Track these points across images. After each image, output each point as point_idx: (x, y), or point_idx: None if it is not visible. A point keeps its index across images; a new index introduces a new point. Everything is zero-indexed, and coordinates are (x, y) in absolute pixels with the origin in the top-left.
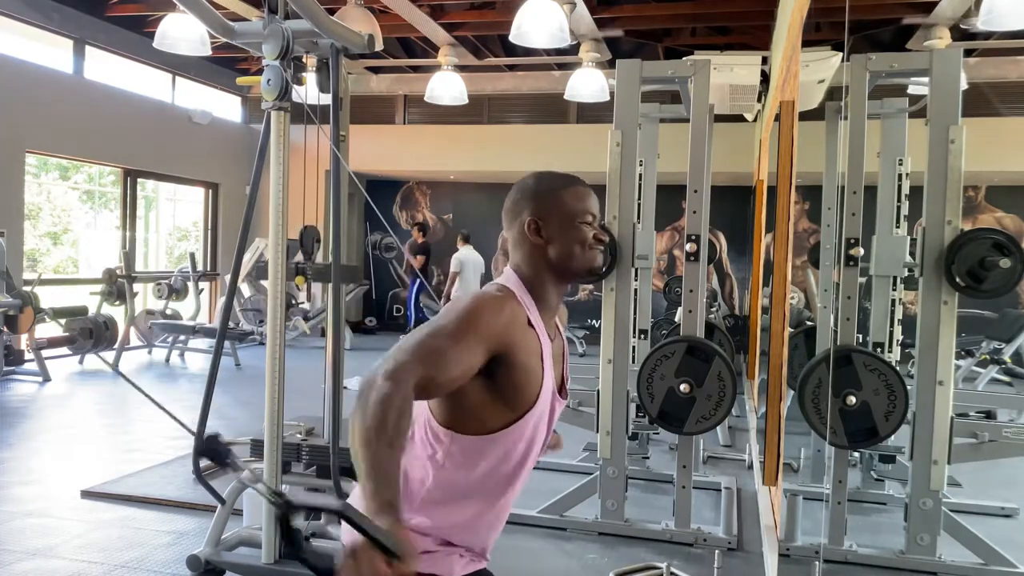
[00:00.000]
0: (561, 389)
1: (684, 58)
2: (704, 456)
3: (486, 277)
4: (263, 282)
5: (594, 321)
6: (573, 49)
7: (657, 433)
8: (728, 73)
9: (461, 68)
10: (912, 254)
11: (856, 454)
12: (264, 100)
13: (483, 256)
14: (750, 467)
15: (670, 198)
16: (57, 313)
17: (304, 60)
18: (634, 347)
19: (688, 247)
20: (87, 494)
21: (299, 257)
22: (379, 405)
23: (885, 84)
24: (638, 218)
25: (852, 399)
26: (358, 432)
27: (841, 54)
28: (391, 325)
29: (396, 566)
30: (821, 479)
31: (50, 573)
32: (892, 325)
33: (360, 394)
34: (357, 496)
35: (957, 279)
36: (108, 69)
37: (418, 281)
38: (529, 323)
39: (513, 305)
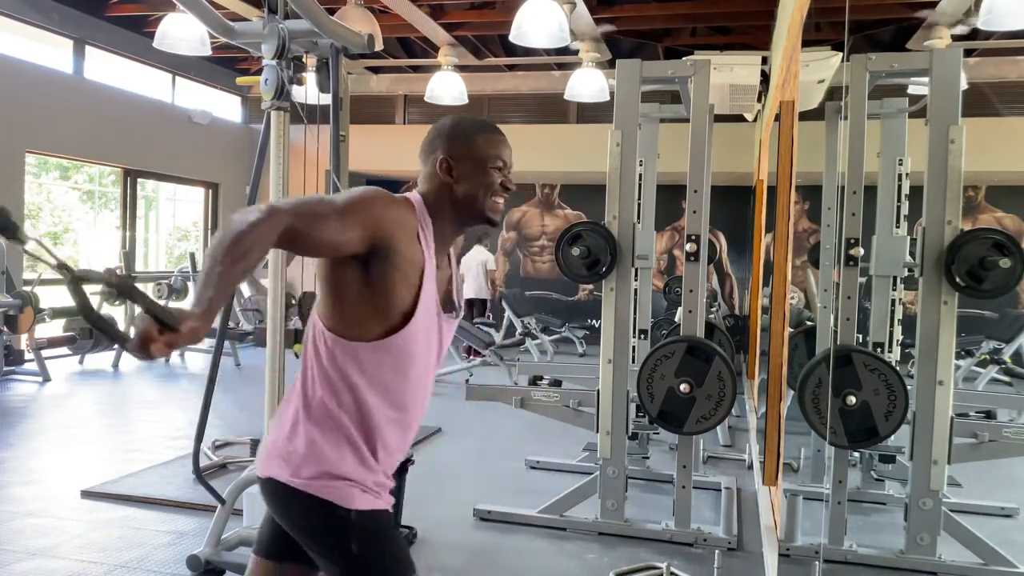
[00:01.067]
0: (449, 308)
1: (684, 58)
2: (704, 456)
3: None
4: (263, 282)
5: (594, 321)
6: (573, 49)
7: (657, 433)
8: (728, 73)
9: (461, 68)
10: (912, 254)
11: (856, 454)
12: (263, 100)
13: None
14: (750, 467)
15: (670, 198)
16: (57, 313)
17: (304, 60)
18: (634, 347)
19: (688, 247)
20: (87, 494)
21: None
22: (242, 227)
23: (885, 84)
24: (638, 218)
25: (852, 399)
26: (212, 245)
27: (841, 54)
28: None
29: (168, 334)
30: (821, 479)
31: (50, 573)
32: (892, 325)
33: (231, 220)
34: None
35: (957, 279)
36: (108, 69)
37: None
38: (418, 238)
39: (406, 211)
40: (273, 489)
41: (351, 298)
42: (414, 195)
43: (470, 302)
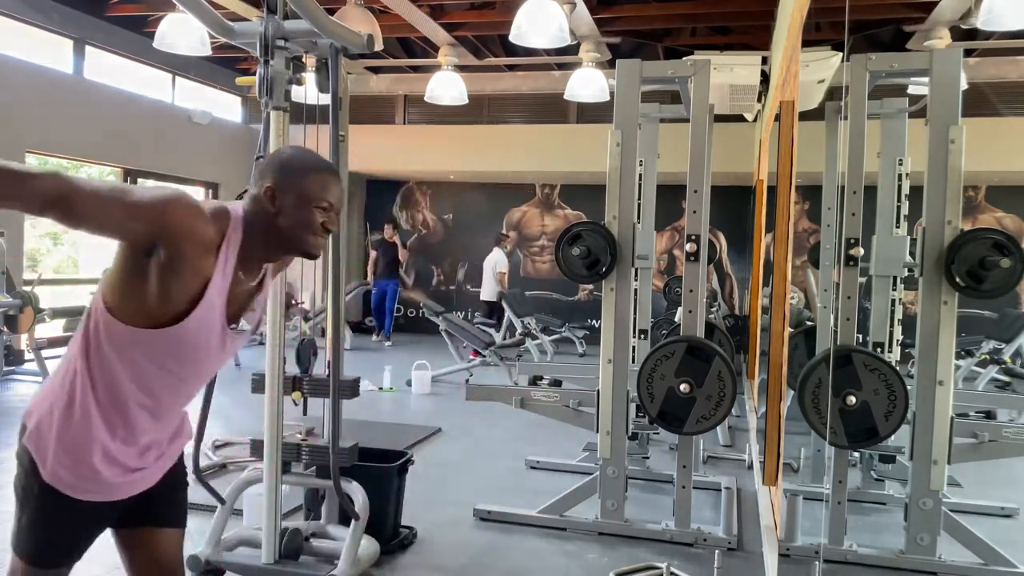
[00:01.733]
0: (235, 321)
1: (684, 58)
2: (704, 456)
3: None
4: None
5: (594, 321)
6: (573, 49)
7: (657, 433)
8: (728, 73)
9: (461, 68)
10: (912, 254)
11: (856, 454)
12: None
13: (484, 255)
14: (750, 467)
15: (670, 198)
16: (57, 313)
17: (304, 60)
18: (634, 347)
19: (688, 247)
20: None
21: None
22: (17, 170)
23: (885, 84)
24: (638, 218)
25: (852, 399)
26: None
27: (841, 54)
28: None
29: None
30: (821, 479)
31: None
32: (892, 325)
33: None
34: None
35: (957, 279)
36: (108, 69)
37: (389, 283)
38: (216, 250)
39: (207, 224)
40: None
41: (130, 282)
42: (236, 209)
43: (485, 303)
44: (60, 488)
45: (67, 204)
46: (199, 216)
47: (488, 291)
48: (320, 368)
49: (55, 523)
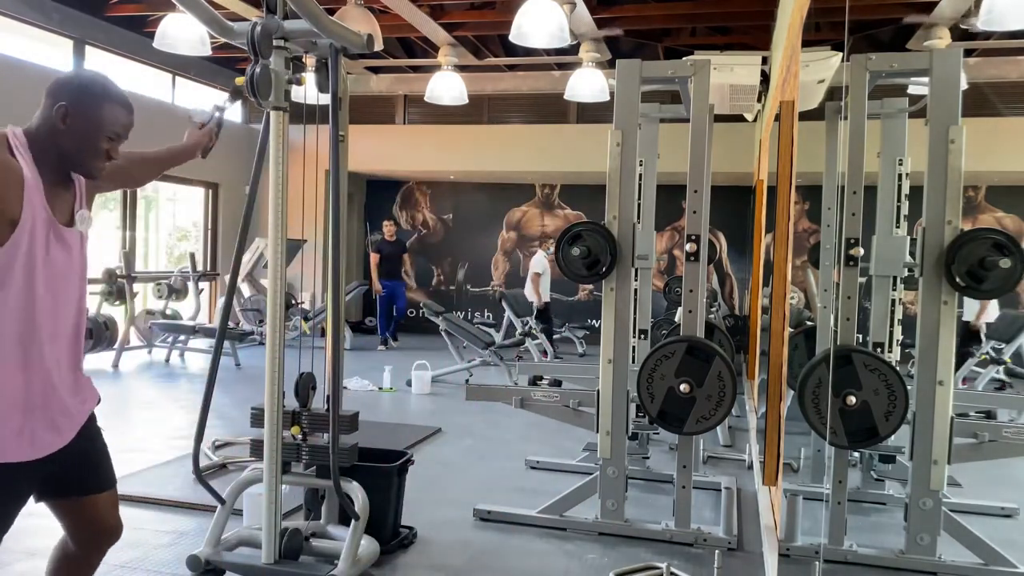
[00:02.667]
0: (70, 224)
1: (684, 58)
2: (704, 456)
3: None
4: (263, 281)
5: (594, 321)
6: (573, 49)
7: (657, 433)
8: (728, 73)
9: (461, 68)
10: (912, 254)
11: (856, 454)
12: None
13: (484, 255)
14: (750, 467)
15: (670, 198)
16: None
17: (304, 60)
18: (634, 347)
19: (688, 247)
20: None
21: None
22: None
23: (885, 84)
24: (638, 218)
25: (852, 399)
26: None
27: (841, 54)
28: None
29: None
30: (821, 479)
31: None
32: (892, 325)
33: None
34: None
35: (957, 279)
36: (108, 69)
37: (397, 285)
38: (13, 160)
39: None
40: None
41: None
42: (16, 130)
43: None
44: None
45: None
46: None
47: (527, 293)
48: (321, 382)
49: None
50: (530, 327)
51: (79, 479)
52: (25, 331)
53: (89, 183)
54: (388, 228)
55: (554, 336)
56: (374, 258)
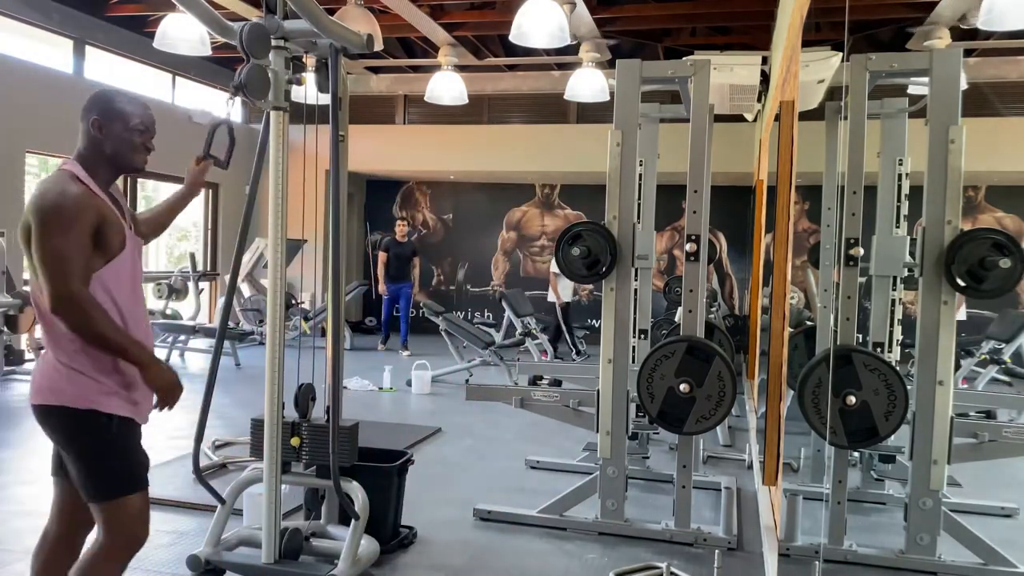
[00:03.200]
0: (135, 229)
1: (684, 58)
2: (704, 456)
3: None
4: (263, 281)
5: (594, 321)
6: (573, 49)
7: (657, 433)
8: (728, 73)
9: (461, 68)
10: (912, 254)
11: (856, 454)
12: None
13: (484, 255)
14: (750, 467)
15: (670, 198)
16: None
17: (304, 60)
18: (634, 347)
19: (688, 247)
20: None
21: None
22: (84, 312)
23: (885, 84)
24: (638, 218)
25: (852, 399)
26: (94, 335)
27: (841, 54)
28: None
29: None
30: (821, 479)
31: None
32: (892, 325)
33: (67, 311)
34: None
35: (957, 279)
36: (108, 69)
37: (403, 287)
38: (94, 193)
39: (85, 189)
40: None
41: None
42: (72, 163)
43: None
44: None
45: (87, 277)
46: (79, 192)
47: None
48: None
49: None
50: (530, 327)
51: None
52: (131, 319)
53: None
54: (400, 228)
55: (576, 335)
56: (382, 257)
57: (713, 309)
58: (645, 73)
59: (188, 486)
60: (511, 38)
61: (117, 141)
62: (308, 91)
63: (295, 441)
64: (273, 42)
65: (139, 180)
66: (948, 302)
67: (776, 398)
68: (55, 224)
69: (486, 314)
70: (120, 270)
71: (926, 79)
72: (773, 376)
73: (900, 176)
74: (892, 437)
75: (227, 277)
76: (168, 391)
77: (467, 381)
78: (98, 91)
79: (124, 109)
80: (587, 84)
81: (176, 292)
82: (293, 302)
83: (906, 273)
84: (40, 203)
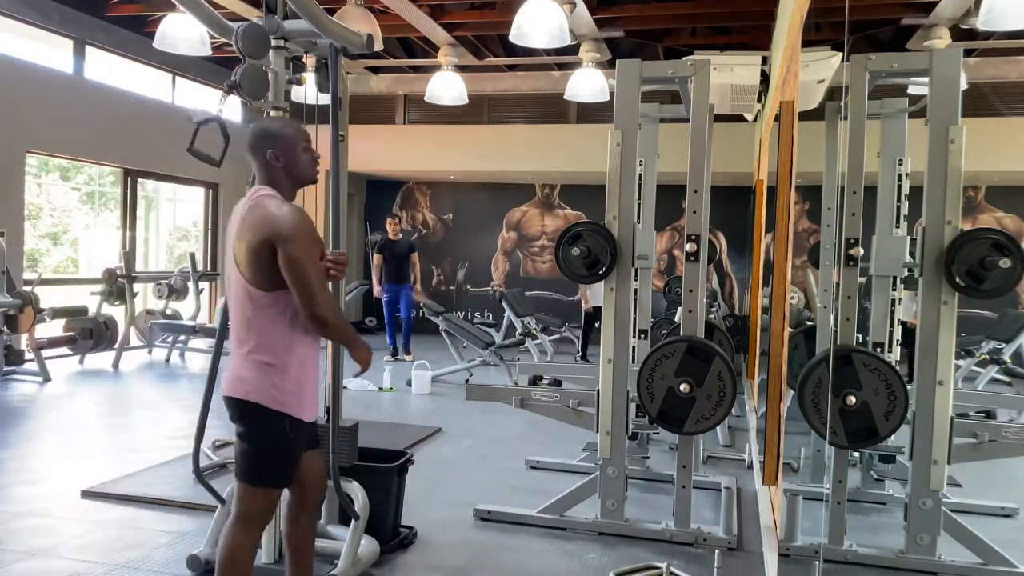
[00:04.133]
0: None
1: (684, 58)
2: (704, 456)
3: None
4: None
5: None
6: (573, 49)
7: (657, 433)
8: (728, 73)
9: (461, 68)
10: (912, 254)
11: (856, 454)
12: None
13: (484, 255)
14: (750, 467)
15: (670, 198)
16: (57, 313)
17: (304, 60)
18: (634, 347)
19: (688, 247)
20: (87, 494)
21: None
22: (334, 321)
23: (885, 84)
24: (638, 218)
25: (852, 399)
26: (335, 327)
27: (841, 54)
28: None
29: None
30: (821, 479)
31: (50, 573)
32: (892, 325)
33: (324, 314)
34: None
35: (957, 279)
36: (108, 69)
37: (402, 288)
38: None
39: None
40: None
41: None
42: (268, 190)
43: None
44: (294, 413)
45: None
46: (294, 210)
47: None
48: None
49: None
50: (530, 327)
51: (315, 438)
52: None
53: None
54: (392, 226)
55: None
56: (376, 259)
57: (713, 309)
58: (645, 73)
59: (188, 486)
60: (511, 38)
61: (295, 163)
62: (308, 91)
63: None
64: (273, 42)
65: (139, 180)
66: (948, 302)
67: (776, 398)
68: (306, 240)
69: (486, 314)
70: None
71: (926, 79)
72: (773, 376)
73: (900, 176)
74: (892, 437)
75: None
76: (367, 361)
77: (467, 381)
78: (257, 127)
79: (289, 134)
80: (587, 84)
81: (176, 292)
82: None
83: (906, 273)
84: (292, 222)
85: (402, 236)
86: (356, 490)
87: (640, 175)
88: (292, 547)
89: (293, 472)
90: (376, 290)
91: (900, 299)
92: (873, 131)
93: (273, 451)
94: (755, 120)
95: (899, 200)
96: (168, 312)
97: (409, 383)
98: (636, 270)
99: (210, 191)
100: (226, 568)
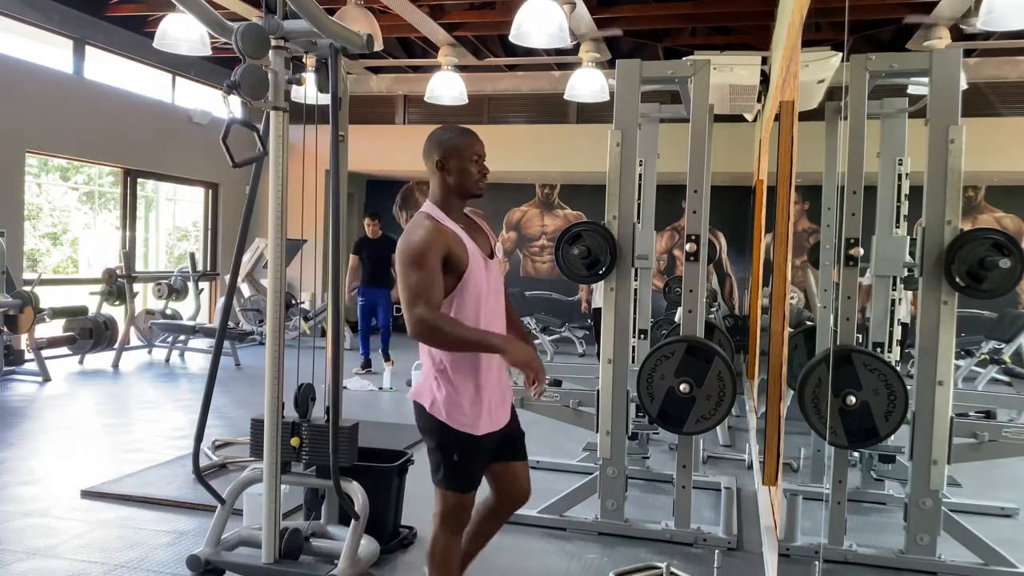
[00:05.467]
0: (491, 255)
1: (684, 58)
2: (704, 456)
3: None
4: (263, 281)
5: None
6: (573, 49)
7: (657, 433)
8: (728, 73)
9: (461, 68)
10: (912, 254)
11: (856, 454)
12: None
13: None
14: (750, 467)
15: (670, 198)
16: (57, 313)
17: (304, 60)
18: (634, 347)
19: (688, 247)
20: (87, 494)
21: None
22: (432, 328)
23: (885, 84)
24: (638, 218)
25: (852, 399)
26: (448, 341)
27: (841, 54)
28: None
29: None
30: (821, 479)
31: (50, 573)
32: (892, 325)
33: (418, 332)
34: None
35: (957, 279)
36: (108, 69)
37: (379, 292)
38: (442, 227)
39: (434, 224)
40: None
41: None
42: (427, 204)
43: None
44: (465, 429)
45: (439, 303)
46: (430, 227)
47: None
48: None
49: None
50: (530, 327)
51: (512, 448)
52: (483, 321)
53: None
54: (371, 226)
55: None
56: (352, 261)
57: (713, 309)
58: (645, 73)
59: (188, 486)
60: (511, 38)
61: (458, 174)
62: (308, 91)
63: (295, 441)
64: (273, 42)
65: (139, 180)
66: (948, 302)
67: (776, 398)
68: (408, 263)
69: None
70: (469, 283)
71: (926, 79)
72: (773, 376)
73: (900, 176)
74: (892, 437)
75: (227, 277)
76: (527, 364)
77: None
78: (435, 131)
79: (457, 144)
80: (587, 84)
81: (176, 292)
82: (293, 302)
83: (906, 273)
84: (400, 246)
85: (383, 236)
86: (356, 490)
87: (640, 175)
88: (463, 544)
89: (473, 479)
90: (347, 296)
91: (900, 299)
92: (873, 131)
93: (447, 457)
94: (755, 120)
95: (899, 200)
96: (168, 312)
97: (409, 383)
98: (636, 270)
99: (210, 191)
100: (432, 565)
